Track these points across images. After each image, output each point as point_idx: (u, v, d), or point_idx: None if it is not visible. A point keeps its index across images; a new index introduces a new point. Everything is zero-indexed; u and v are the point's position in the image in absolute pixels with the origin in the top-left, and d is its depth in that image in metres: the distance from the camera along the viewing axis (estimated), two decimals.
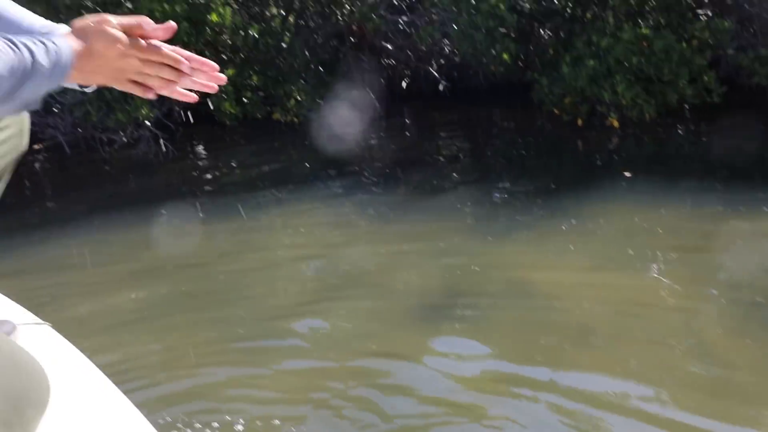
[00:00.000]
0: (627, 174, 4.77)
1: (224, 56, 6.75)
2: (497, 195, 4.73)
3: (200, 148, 6.60)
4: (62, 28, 1.15)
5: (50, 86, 0.91)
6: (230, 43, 6.35)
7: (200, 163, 6.31)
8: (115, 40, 0.99)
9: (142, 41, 1.04)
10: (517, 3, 6.53)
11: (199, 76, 1.12)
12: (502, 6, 5.73)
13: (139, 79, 1.08)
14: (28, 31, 1.13)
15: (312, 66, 7.21)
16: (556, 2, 6.76)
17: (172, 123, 6.37)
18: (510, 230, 3.94)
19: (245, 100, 6.73)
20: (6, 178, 1.38)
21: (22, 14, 1.17)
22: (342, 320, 2.99)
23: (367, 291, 3.27)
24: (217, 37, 6.09)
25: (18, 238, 4.26)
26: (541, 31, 7.40)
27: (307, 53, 7.25)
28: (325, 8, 7.58)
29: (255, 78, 6.81)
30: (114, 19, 1.02)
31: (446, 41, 6.64)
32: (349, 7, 7.83)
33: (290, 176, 5.69)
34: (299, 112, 6.86)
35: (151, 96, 1.12)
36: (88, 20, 1.02)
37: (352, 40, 7.64)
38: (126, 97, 5.54)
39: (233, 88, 6.42)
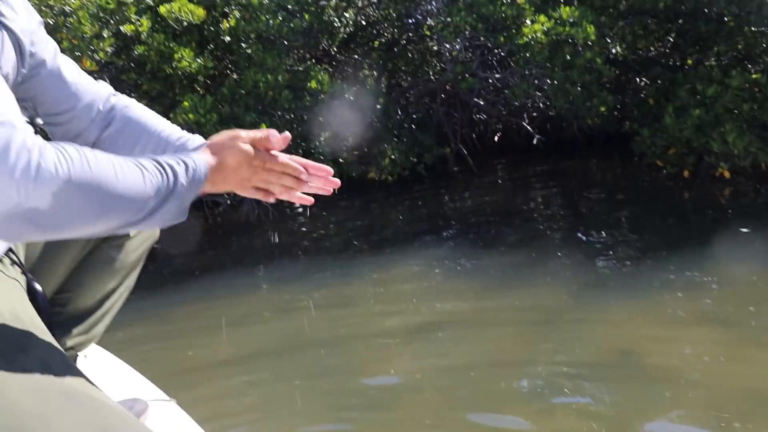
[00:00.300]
0: (744, 229, 4.46)
1: (321, 118, 6.99)
2: (597, 253, 4.53)
3: (299, 209, 6.79)
4: (197, 140, 1.24)
5: (186, 201, 0.96)
6: (322, 106, 6.57)
7: (299, 223, 6.48)
8: (245, 154, 1.06)
9: (268, 153, 1.10)
10: (613, 53, 6.40)
11: (316, 181, 1.18)
12: (598, 60, 5.63)
13: (263, 185, 1.14)
14: (166, 142, 1.22)
15: (405, 125, 7.33)
16: (654, 51, 6.57)
17: None
18: (614, 292, 3.73)
19: (341, 160, 6.90)
20: (140, 264, 1.44)
21: (162, 125, 1.26)
22: (430, 379, 2.91)
23: (461, 350, 3.17)
24: (317, 102, 6.31)
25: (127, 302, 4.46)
26: (638, 80, 7.21)
27: (399, 112, 7.39)
28: (417, 69, 7.73)
29: (350, 138, 6.98)
30: (244, 134, 1.09)
31: (539, 93, 6.57)
32: (439, 64, 7.96)
33: (385, 234, 5.73)
34: (393, 170, 6.95)
35: (271, 200, 1.19)
36: (222, 136, 1.09)
37: (444, 97, 7.73)
38: None
39: (330, 150, 6.60)
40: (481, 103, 7.61)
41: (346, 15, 7.77)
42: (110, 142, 1.23)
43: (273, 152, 1.12)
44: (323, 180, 1.18)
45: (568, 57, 5.72)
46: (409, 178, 7.12)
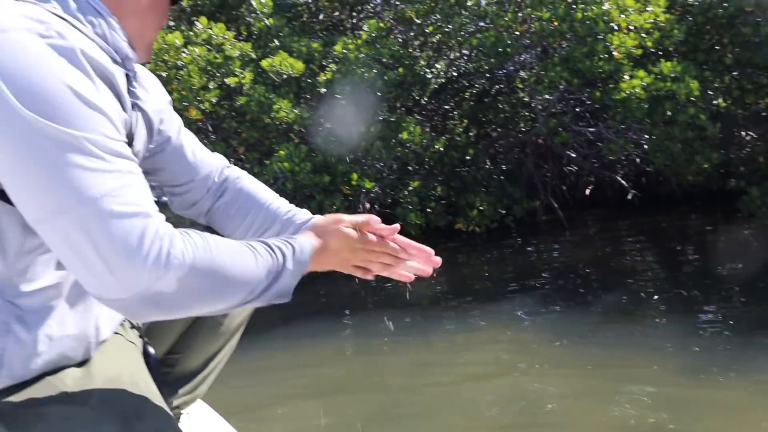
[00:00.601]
0: None
1: (410, 167, 7.03)
2: (705, 322, 4.20)
3: None
4: (303, 214, 1.26)
5: (293, 281, 0.98)
6: (416, 156, 6.60)
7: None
8: (349, 238, 1.09)
9: (370, 236, 1.13)
10: (718, 108, 6.10)
11: (417, 260, 1.20)
12: (702, 116, 5.37)
13: (362, 264, 1.16)
14: (275, 214, 1.26)
15: (494, 176, 7.24)
16: (763, 105, 6.22)
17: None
18: (728, 371, 3.43)
19: (429, 210, 6.88)
20: (244, 326, 1.47)
21: (271, 198, 1.29)
22: None
23: (548, 425, 2.99)
24: (406, 152, 6.37)
25: None
26: (745, 134, 6.83)
27: (488, 163, 7.32)
28: (508, 121, 7.67)
29: (439, 189, 6.96)
30: (347, 218, 1.12)
31: (634, 146, 6.34)
32: (530, 115, 7.87)
33: (470, 286, 5.60)
34: (481, 222, 6.85)
35: (369, 277, 1.20)
36: (326, 219, 1.13)
37: (535, 149, 7.61)
38: (322, 209, 5.91)
39: (418, 199, 6.60)
40: (573, 155, 7.43)
41: (437, 66, 7.87)
42: (222, 211, 1.28)
43: (373, 234, 1.15)
44: (424, 260, 1.20)
45: (669, 113, 5.50)
46: (497, 229, 6.98)
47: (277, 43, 6.12)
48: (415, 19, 6.50)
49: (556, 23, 5.69)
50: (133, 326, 1.16)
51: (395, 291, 5.77)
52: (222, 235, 1.08)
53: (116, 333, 1.08)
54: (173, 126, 1.21)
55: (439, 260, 1.21)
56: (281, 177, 5.47)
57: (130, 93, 0.98)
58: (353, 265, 1.15)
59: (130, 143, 0.92)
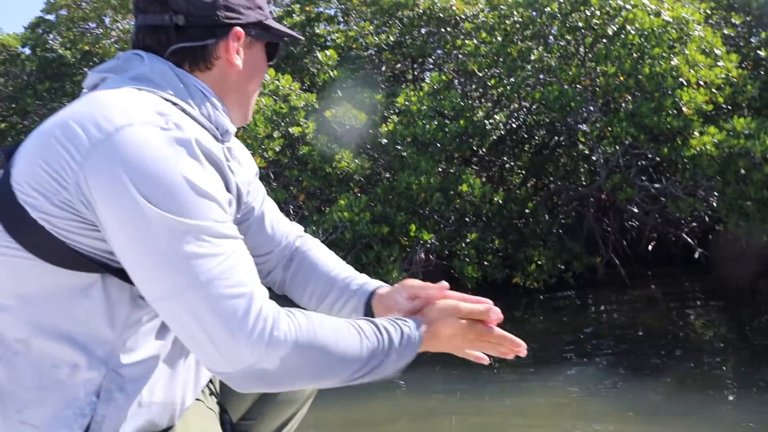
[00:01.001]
0: None
1: (467, 219, 6.93)
2: None
3: None
4: (360, 278, 1.26)
5: (399, 364, 0.99)
6: (474, 208, 6.51)
7: None
8: (461, 328, 1.09)
9: (481, 326, 1.11)
10: None
11: (507, 346, 1.18)
12: None
13: (476, 350, 1.17)
14: (333, 280, 1.24)
15: (553, 230, 7.07)
16: None
17: None
18: None
19: (486, 263, 6.73)
20: (315, 393, 1.44)
21: (333, 265, 1.29)
22: None
23: None
24: (465, 204, 6.29)
25: None
26: None
27: (547, 216, 7.16)
28: (568, 174, 7.52)
29: (497, 241, 6.82)
30: (463, 307, 1.10)
31: (705, 204, 6.09)
32: (590, 168, 7.70)
33: (526, 344, 5.38)
34: (540, 276, 6.65)
35: (484, 362, 1.20)
36: (441, 305, 1.10)
37: (595, 202, 7.41)
38: (379, 260, 5.85)
39: (475, 252, 6.47)
40: (635, 210, 7.20)
41: (496, 117, 7.82)
42: (290, 281, 1.29)
43: (489, 324, 1.14)
44: (512, 349, 1.19)
45: (743, 170, 5.27)
46: (555, 285, 6.76)
47: (340, 93, 6.20)
48: (477, 72, 6.50)
49: (621, 78, 5.58)
50: (212, 393, 1.19)
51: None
52: (297, 305, 1.15)
53: (197, 399, 1.11)
54: (258, 197, 1.25)
55: (524, 351, 1.19)
56: (340, 226, 5.45)
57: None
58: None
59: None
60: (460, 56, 6.83)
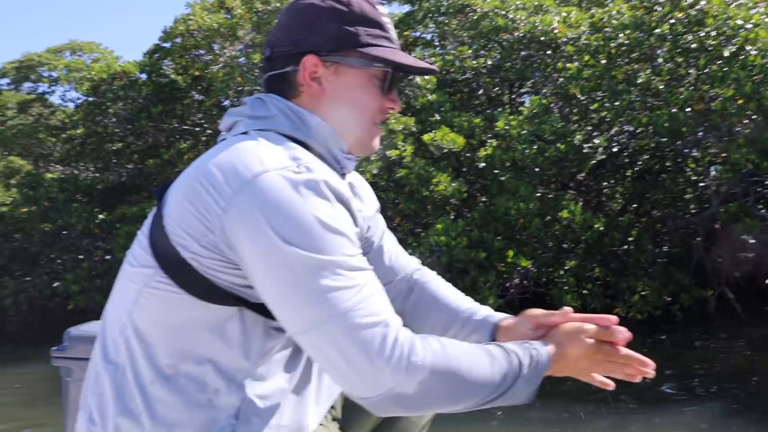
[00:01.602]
0: None
1: (565, 246, 6.68)
2: None
3: None
4: (483, 310, 1.24)
5: (529, 387, 0.99)
6: (574, 235, 6.26)
7: None
8: (588, 348, 1.06)
9: (608, 347, 1.08)
10: None
11: (634, 366, 1.13)
12: None
13: (603, 373, 1.13)
14: (455, 312, 1.24)
15: (658, 259, 6.68)
16: None
17: (511, 311, 6.36)
18: None
19: (585, 291, 6.45)
20: (430, 424, 1.39)
21: (453, 297, 1.28)
22: None
23: None
24: (564, 231, 6.06)
25: None
26: None
27: (651, 245, 6.77)
28: (675, 201, 7.11)
29: (597, 270, 6.52)
30: (588, 328, 1.08)
31: None
32: (698, 193, 7.24)
33: (629, 385, 5.05)
34: (643, 308, 6.29)
35: (610, 388, 1.14)
36: (567, 327, 1.09)
37: (705, 232, 6.95)
38: (475, 285, 5.72)
39: (574, 280, 6.21)
40: (752, 240, 6.68)
41: (595, 141, 7.53)
42: (410, 312, 1.29)
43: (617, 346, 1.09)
44: (640, 370, 1.13)
45: None
46: (661, 318, 6.37)
47: (438, 117, 6.16)
48: (578, 96, 6.29)
49: (740, 101, 5.21)
50: (333, 418, 1.21)
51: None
52: None
53: (321, 424, 1.13)
54: (378, 231, 1.26)
55: (652, 371, 1.12)
56: (437, 250, 5.38)
57: None
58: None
59: None
60: (560, 79, 6.63)
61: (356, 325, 0.88)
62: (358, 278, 0.91)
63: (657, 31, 5.52)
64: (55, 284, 8.35)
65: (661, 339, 6.18)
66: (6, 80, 12.67)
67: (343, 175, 1.07)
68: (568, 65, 6.12)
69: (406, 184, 5.83)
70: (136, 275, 0.99)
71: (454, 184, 5.75)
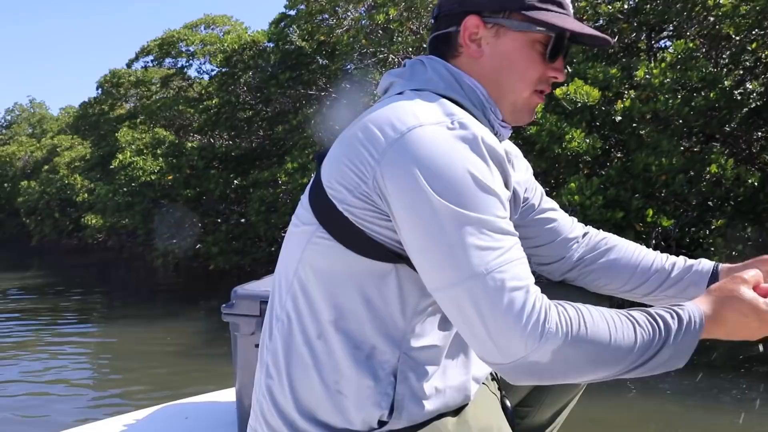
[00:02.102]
0: None
1: (710, 203, 6.10)
2: None
3: None
4: (704, 264, 1.19)
5: (680, 352, 0.92)
6: (724, 191, 5.68)
7: None
8: (751, 307, 0.95)
9: None
10: None
11: None
12: None
13: None
14: (662, 269, 1.21)
15: None
16: None
17: None
18: None
19: (735, 254, 5.87)
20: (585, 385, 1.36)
21: (644, 253, 1.25)
22: None
23: None
24: (711, 187, 5.51)
25: None
26: None
27: None
28: None
29: (750, 229, 5.90)
30: (749, 276, 0.97)
31: None
32: None
33: None
34: None
35: None
36: (725, 283, 0.99)
37: None
38: None
39: (722, 240, 5.66)
40: None
41: (748, 87, 6.74)
42: (593, 271, 1.27)
43: None
44: None
45: None
46: None
47: (569, 69, 5.78)
48: (734, 36, 5.62)
49: None
50: (494, 378, 1.22)
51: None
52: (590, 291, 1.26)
53: (482, 383, 1.15)
54: (537, 194, 1.25)
55: None
56: (570, 210, 5.09)
57: None
58: None
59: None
60: (709, 19, 5.96)
61: (497, 287, 0.86)
62: (505, 241, 0.89)
63: None
64: (198, 246, 8.95)
65: None
66: (150, 57, 13.58)
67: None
68: (721, 1, 5.47)
69: (537, 142, 5.56)
70: (300, 235, 1.00)
71: (588, 140, 5.39)
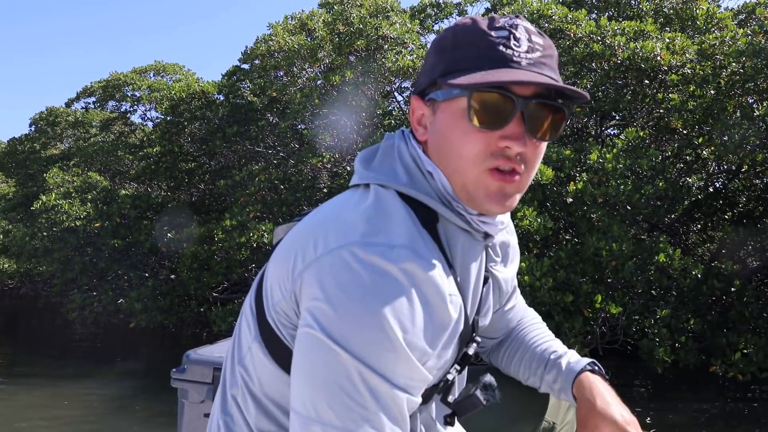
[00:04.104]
0: None
1: (653, 292, 6.02)
2: None
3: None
4: (569, 355, 1.16)
5: None
6: (668, 281, 5.60)
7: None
8: None
9: None
10: None
11: None
12: None
13: None
14: (540, 356, 1.18)
15: (766, 314, 5.91)
16: None
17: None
18: None
19: (677, 344, 5.75)
20: None
21: (541, 340, 1.22)
22: None
23: None
24: (660, 277, 5.42)
25: None
26: None
27: (760, 299, 6.01)
28: None
29: (692, 321, 5.82)
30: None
31: None
32: None
33: None
34: (746, 369, 5.53)
35: None
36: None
37: None
38: (559, 332, 5.14)
39: (668, 331, 5.53)
40: None
41: (688, 180, 6.85)
42: (501, 355, 1.25)
43: None
44: None
45: None
46: (765, 380, 5.61)
47: None
48: (681, 129, 5.69)
49: None
50: None
51: None
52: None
53: None
54: (509, 293, 1.18)
55: None
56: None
57: (487, 268, 0.98)
58: None
59: (473, 324, 0.95)
60: (657, 111, 6.06)
61: None
62: (382, 409, 0.79)
63: None
64: (120, 301, 8.25)
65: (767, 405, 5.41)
66: (92, 98, 13.02)
67: (485, 237, 0.93)
68: (670, 95, 5.55)
69: None
70: (246, 330, 0.95)
71: (539, 219, 5.24)
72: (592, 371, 1.11)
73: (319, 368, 0.79)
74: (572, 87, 0.85)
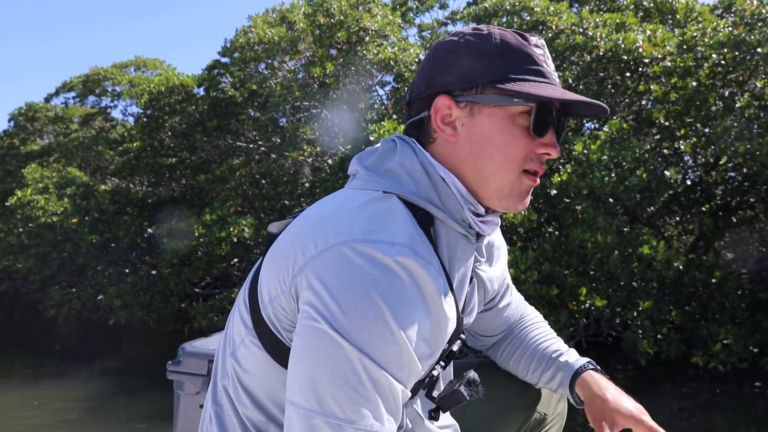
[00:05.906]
0: None
1: (635, 284, 5.88)
2: None
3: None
4: (570, 354, 1.19)
5: None
6: (653, 273, 5.46)
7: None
8: None
9: None
10: None
11: None
12: None
13: None
14: (542, 355, 1.20)
15: (744, 304, 5.81)
16: None
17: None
18: None
19: (660, 336, 5.62)
20: None
21: (542, 339, 1.23)
22: None
23: None
24: (643, 269, 5.27)
25: None
26: None
27: (739, 290, 5.91)
28: (764, 239, 6.24)
29: (674, 313, 5.69)
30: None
31: None
32: None
33: None
34: (727, 359, 5.41)
35: None
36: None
37: None
38: None
39: (650, 323, 5.40)
40: None
41: (666, 173, 6.73)
42: (497, 350, 1.26)
43: None
44: None
45: None
46: (746, 371, 5.50)
47: None
48: (662, 121, 5.54)
49: None
50: None
51: None
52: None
53: None
54: (502, 288, 1.19)
55: None
56: None
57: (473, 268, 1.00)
58: None
59: (459, 324, 0.95)
60: (639, 103, 5.90)
61: None
62: (382, 401, 0.80)
63: (760, 50, 4.77)
64: (99, 297, 7.93)
65: (747, 395, 5.32)
66: (72, 93, 12.60)
67: (478, 237, 0.96)
68: (652, 87, 5.40)
69: None
70: (239, 323, 0.95)
71: (523, 212, 5.05)
72: (594, 370, 1.15)
73: (323, 361, 0.79)
74: (604, 105, 0.91)
